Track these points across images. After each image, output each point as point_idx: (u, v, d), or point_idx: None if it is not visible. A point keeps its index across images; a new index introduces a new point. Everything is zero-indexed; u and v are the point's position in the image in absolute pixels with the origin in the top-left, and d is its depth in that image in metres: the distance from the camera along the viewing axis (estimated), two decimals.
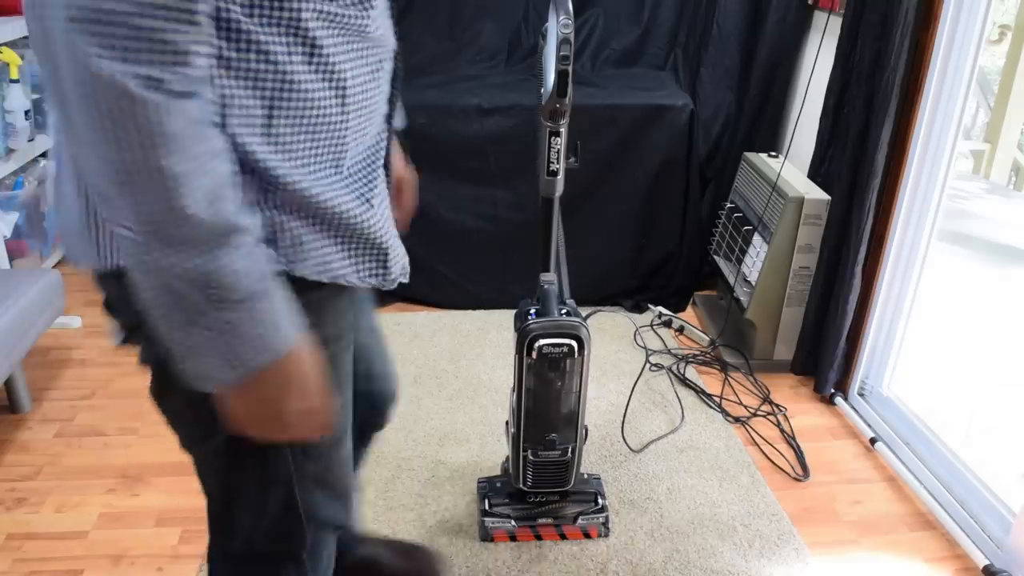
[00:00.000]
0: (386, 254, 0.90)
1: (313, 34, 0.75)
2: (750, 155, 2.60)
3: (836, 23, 2.30)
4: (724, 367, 2.44)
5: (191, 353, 0.70)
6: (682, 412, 2.22)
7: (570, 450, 1.62)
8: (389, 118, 0.93)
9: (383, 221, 0.89)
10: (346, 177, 0.84)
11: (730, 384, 2.37)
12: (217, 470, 0.97)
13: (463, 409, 2.20)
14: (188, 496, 1.84)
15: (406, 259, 0.98)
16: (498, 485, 1.78)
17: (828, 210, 2.23)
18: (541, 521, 1.73)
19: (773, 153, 2.59)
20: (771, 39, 2.72)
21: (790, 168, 2.42)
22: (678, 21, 2.91)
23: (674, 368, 2.43)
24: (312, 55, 0.76)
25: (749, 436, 2.14)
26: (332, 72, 0.78)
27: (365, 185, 0.87)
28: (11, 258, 2.62)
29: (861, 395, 2.27)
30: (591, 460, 2.00)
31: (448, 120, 2.54)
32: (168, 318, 0.68)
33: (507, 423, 1.72)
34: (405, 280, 0.99)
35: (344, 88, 0.80)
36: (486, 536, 1.72)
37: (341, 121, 0.80)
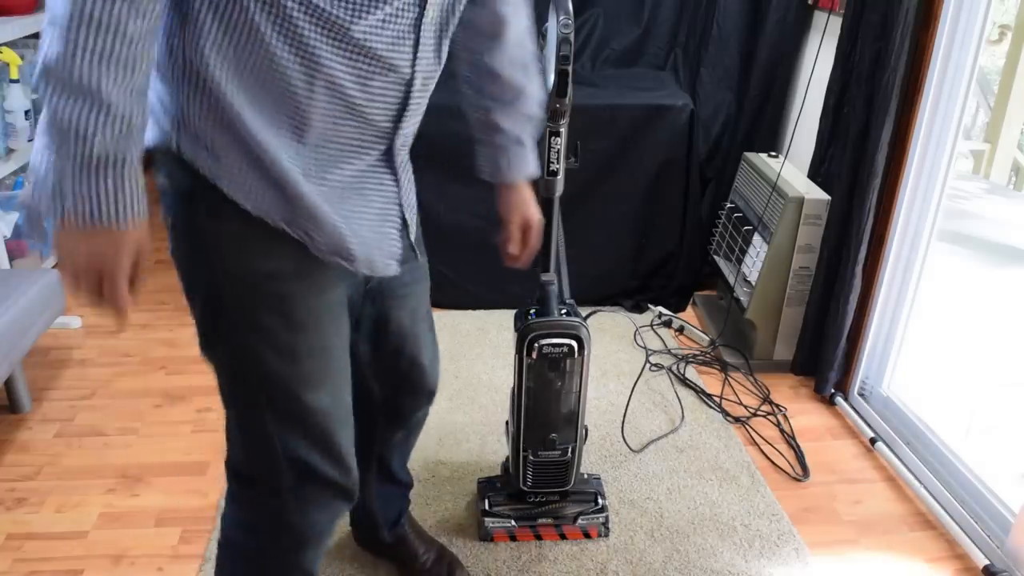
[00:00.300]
0: (315, 226, 0.97)
1: (289, 12, 0.85)
2: (750, 155, 2.60)
3: (836, 23, 2.30)
4: (724, 367, 2.44)
5: (40, 179, 0.81)
6: (682, 412, 2.22)
7: (570, 450, 1.62)
8: (392, 133, 1.00)
9: (320, 199, 0.96)
10: (305, 147, 0.94)
11: (730, 384, 2.37)
12: (219, 386, 1.09)
13: (463, 409, 2.20)
14: (188, 496, 1.84)
15: (348, 247, 1.00)
16: (498, 485, 1.77)
17: (828, 210, 2.23)
18: (541, 521, 1.72)
19: (773, 153, 2.59)
20: (771, 39, 2.72)
21: (790, 168, 2.42)
22: (678, 21, 2.91)
23: (674, 368, 2.43)
24: (283, 28, 0.86)
25: (749, 436, 2.14)
26: (303, 50, 0.87)
27: (317, 163, 0.95)
28: (11, 258, 2.62)
29: (861, 395, 2.27)
30: (591, 460, 2.00)
31: (448, 120, 2.53)
32: (41, 138, 0.81)
33: (507, 423, 1.72)
34: (349, 267, 1.02)
35: (314, 70, 0.89)
36: (486, 536, 1.72)
37: (307, 97, 0.90)
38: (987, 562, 1.69)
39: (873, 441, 2.10)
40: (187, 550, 1.69)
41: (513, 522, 1.72)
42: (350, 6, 0.86)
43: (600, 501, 1.74)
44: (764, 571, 1.68)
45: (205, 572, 1.62)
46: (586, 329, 1.51)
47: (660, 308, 2.74)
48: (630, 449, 2.05)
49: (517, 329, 1.52)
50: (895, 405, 2.17)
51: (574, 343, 1.49)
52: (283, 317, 1.00)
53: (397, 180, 1.05)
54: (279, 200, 0.94)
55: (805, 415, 2.24)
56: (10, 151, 2.64)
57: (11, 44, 2.64)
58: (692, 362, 2.47)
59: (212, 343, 1.05)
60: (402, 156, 1.06)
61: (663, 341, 2.59)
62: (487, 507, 1.72)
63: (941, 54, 1.94)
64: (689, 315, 2.78)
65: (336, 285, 1.06)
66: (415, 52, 0.94)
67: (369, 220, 1.02)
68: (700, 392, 2.31)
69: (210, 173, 0.92)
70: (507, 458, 1.74)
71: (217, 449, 2.00)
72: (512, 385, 1.61)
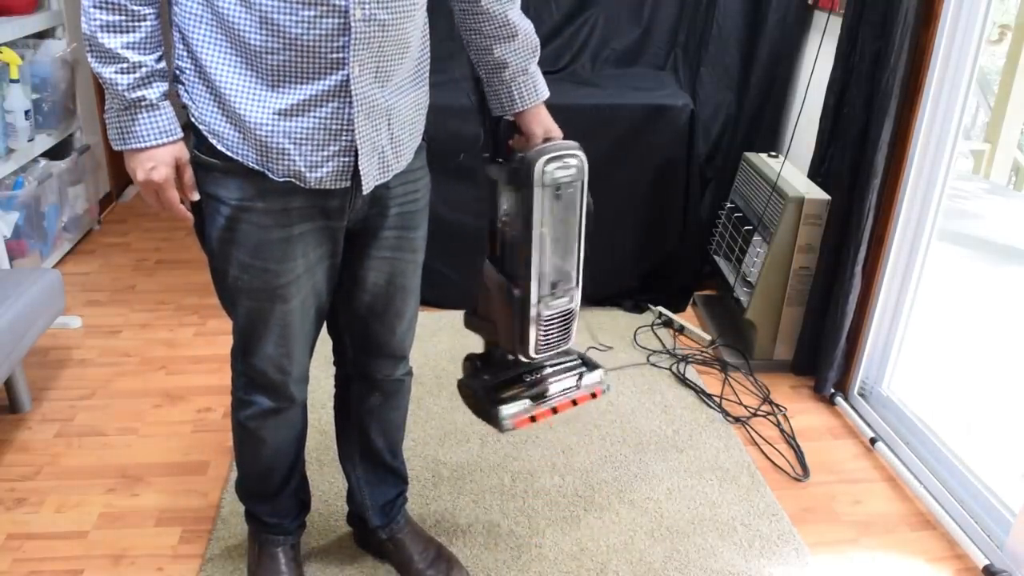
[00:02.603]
0: (267, 156, 1.13)
1: None
2: (750, 155, 2.60)
3: (836, 23, 2.30)
4: (724, 367, 2.44)
5: (108, 124, 1.13)
6: (682, 413, 2.22)
7: (573, 299, 1.50)
8: (343, 63, 1.10)
9: (271, 129, 1.11)
10: (257, 77, 1.09)
11: (730, 384, 2.37)
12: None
13: (463, 409, 2.18)
14: (188, 496, 1.84)
15: (298, 169, 1.14)
16: (485, 378, 1.57)
17: (828, 210, 2.23)
18: (552, 394, 1.54)
19: (773, 153, 2.59)
20: (771, 39, 2.72)
21: (790, 168, 2.42)
22: (678, 21, 2.91)
23: (674, 368, 2.43)
24: None
25: (749, 436, 2.14)
26: None
27: (269, 91, 1.10)
28: (11, 258, 2.62)
29: (861, 395, 2.27)
30: (591, 459, 2.00)
31: (448, 120, 2.54)
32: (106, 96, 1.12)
33: (472, 312, 1.56)
34: (304, 185, 1.16)
35: (248, 6, 1.05)
36: (506, 426, 1.50)
37: (248, 31, 1.06)
38: (987, 562, 1.69)
39: (873, 441, 2.10)
40: (187, 550, 1.69)
41: (528, 402, 1.52)
42: None
43: (587, 360, 1.58)
44: (764, 571, 1.68)
45: (205, 572, 1.62)
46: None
47: (660, 308, 2.74)
48: (631, 449, 2.05)
49: (506, 166, 1.41)
50: (895, 405, 2.17)
51: (582, 160, 1.39)
52: (229, 234, 1.21)
53: (351, 109, 1.13)
54: (238, 136, 1.13)
55: (805, 415, 2.24)
56: (10, 151, 2.63)
57: (11, 44, 2.64)
58: (692, 362, 2.47)
59: (203, 244, 1.28)
60: (365, 88, 1.13)
61: (663, 341, 2.59)
62: (496, 398, 1.51)
63: (941, 54, 1.94)
64: (689, 315, 2.78)
65: (297, 221, 1.21)
66: None
67: (314, 142, 1.15)
68: (700, 392, 2.31)
69: (194, 116, 1.15)
70: (477, 353, 1.58)
71: (217, 449, 2.00)
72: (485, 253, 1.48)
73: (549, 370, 1.55)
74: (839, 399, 2.28)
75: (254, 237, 1.20)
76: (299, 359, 1.36)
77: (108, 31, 1.07)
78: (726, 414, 2.22)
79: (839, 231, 2.18)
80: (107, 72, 1.08)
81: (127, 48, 1.08)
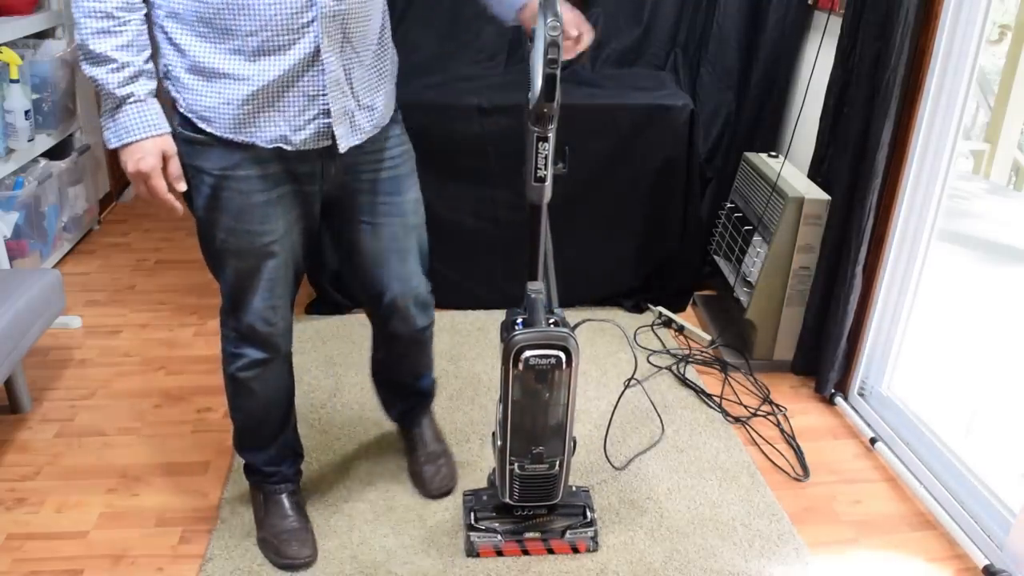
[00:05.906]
0: (250, 125, 1.27)
1: None
2: (750, 155, 2.60)
3: (836, 23, 2.30)
4: (724, 367, 2.44)
5: (102, 125, 1.24)
6: (681, 413, 2.21)
7: (557, 463, 1.59)
8: (306, 29, 1.23)
9: (249, 99, 1.24)
10: (238, 55, 1.22)
11: (730, 384, 2.37)
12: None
13: (463, 409, 2.19)
14: (188, 496, 1.84)
15: (282, 134, 1.28)
16: (484, 498, 1.73)
17: (828, 210, 2.23)
18: (528, 535, 1.68)
19: (773, 153, 2.59)
20: (771, 39, 2.72)
21: (790, 168, 2.42)
22: (678, 21, 2.90)
23: (674, 368, 2.43)
24: None
25: (749, 436, 2.14)
26: None
27: (247, 65, 1.22)
28: (11, 258, 2.62)
29: (861, 395, 2.27)
30: (591, 460, 2.00)
31: (448, 120, 2.54)
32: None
33: (493, 434, 1.68)
34: (288, 148, 1.29)
35: None
36: (471, 551, 1.67)
37: (225, 9, 1.19)
38: (987, 562, 1.69)
39: (873, 441, 2.10)
40: (187, 550, 1.69)
41: (499, 536, 1.67)
42: None
43: (588, 515, 1.70)
44: (764, 571, 1.68)
45: (205, 572, 1.62)
46: (574, 340, 1.47)
47: (660, 308, 2.74)
48: (630, 448, 2.05)
49: (503, 340, 1.50)
50: (895, 405, 2.17)
51: (562, 355, 1.46)
52: (214, 202, 1.32)
53: (324, 76, 1.26)
54: (227, 116, 1.25)
55: (805, 415, 2.24)
56: (10, 151, 2.63)
57: (11, 44, 2.64)
58: (692, 362, 2.47)
59: (192, 213, 1.38)
60: (332, 58, 1.26)
61: (663, 341, 2.59)
62: (472, 521, 1.68)
63: (941, 54, 1.94)
64: (689, 315, 2.78)
65: (274, 186, 1.34)
66: None
67: (296, 107, 1.28)
68: (700, 392, 2.31)
69: (182, 107, 1.27)
70: (493, 470, 1.71)
71: (217, 449, 2.00)
72: (499, 396, 1.58)
73: (544, 510, 1.69)
74: (839, 399, 2.28)
75: (237, 203, 1.32)
76: (283, 312, 1.49)
77: (99, 36, 1.18)
78: (726, 414, 2.22)
79: (839, 231, 2.18)
80: (99, 73, 1.19)
81: (116, 50, 1.19)
